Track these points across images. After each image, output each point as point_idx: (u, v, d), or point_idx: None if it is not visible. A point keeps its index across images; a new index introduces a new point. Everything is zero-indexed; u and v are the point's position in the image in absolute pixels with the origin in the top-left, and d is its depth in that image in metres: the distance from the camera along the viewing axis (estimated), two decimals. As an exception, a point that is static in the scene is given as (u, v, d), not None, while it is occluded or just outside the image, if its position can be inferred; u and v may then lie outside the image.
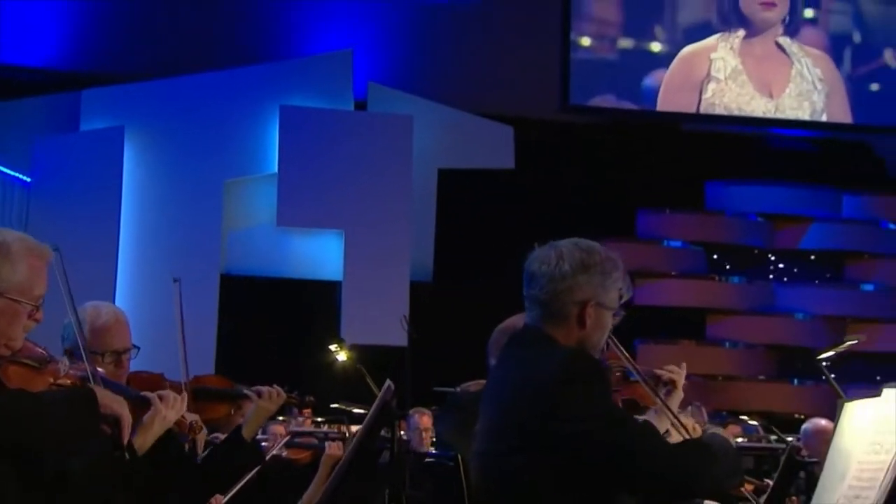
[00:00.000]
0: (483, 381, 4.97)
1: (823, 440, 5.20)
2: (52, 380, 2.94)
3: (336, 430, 9.02)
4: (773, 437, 9.00)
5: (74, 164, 10.65)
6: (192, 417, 3.50)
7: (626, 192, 12.51)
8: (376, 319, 10.67)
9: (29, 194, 10.62)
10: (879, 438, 3.19)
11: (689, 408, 9.45)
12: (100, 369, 3.24)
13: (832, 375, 5.61)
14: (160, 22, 11.85)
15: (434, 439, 7.26)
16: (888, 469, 3.10)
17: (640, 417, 3.21)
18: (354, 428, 9.71)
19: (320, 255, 11.41)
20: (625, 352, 3.22)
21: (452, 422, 4.01)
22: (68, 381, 3.02)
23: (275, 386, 4.20)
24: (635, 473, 2.75)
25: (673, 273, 12.41)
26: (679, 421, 3.24)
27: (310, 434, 7.04)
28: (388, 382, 4.28)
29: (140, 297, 10.48)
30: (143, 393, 3.27)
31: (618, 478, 2.76)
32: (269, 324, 10.96)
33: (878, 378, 11.50)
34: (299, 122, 11.17)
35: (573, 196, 12.10)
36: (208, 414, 3.95)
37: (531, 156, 11.97)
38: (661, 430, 3.17)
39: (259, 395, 4.02)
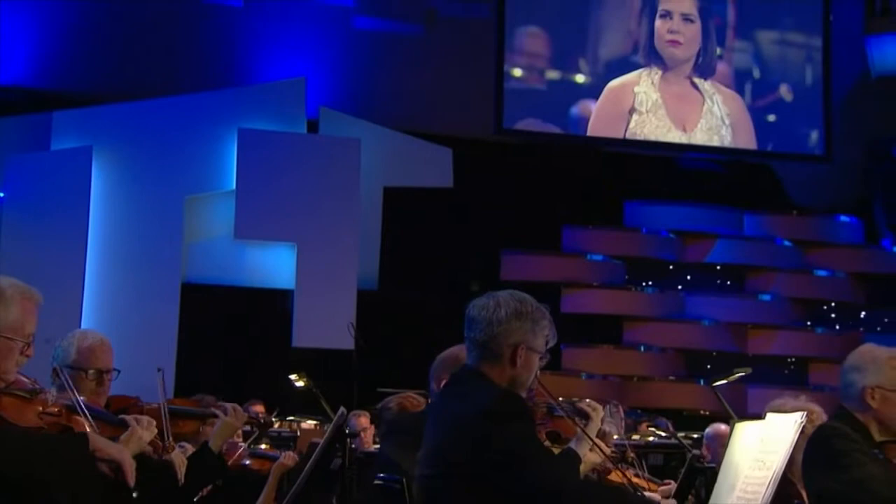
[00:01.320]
0: (408, 393, 5.14)
1: (722, 443, 5.27)
2: (41, 408, 3.00)
3: (288, 429, 9.08)
4: (681, 435, 8.78)
5: (45, 182, 10.54)
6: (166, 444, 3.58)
7: (552, 210, 12.56)
8: (325, 325, 10.69)
9: (1, 210, 10.51)
10: (762, 456, 3.40)
11: (608, 406, 9.63)
12: (82, 398, 3.27)
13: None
14: (128, 48, 11.81)
15: (375, 439, 7.13)
16: (769, 484, 3.30)
17: (565, 447, 3.41)
18: (305, 424, 9.88)
19: (274, 265, 11.33)
20: (549, 390, 3.39)
21: (395, 443, 4.02)
22: (55, 409, 3.06)
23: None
24: (552, 501, 2.87)
25: (594, 284, 12.48)
26: (597, 445, 3.46)
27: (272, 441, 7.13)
28: (341, 409, 4.39)
29: (107, 305, 10.50)
30: (121, 416, 3.35)
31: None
32: (226, 328, 10.97)
33: (774, 379, 11.99)
34: (256, 144, 11.10)
35: (505, 212, 12.18)
36: (179, 429, 4.03)
37: (468, 175, 11.98)
38: (583, 454, 3.40)
39: (225, 412, 4.13)
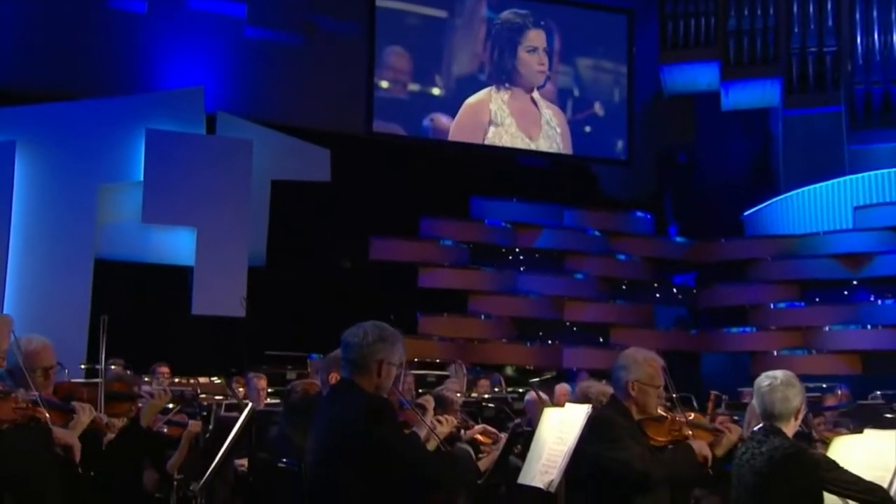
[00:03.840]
0: (307, 381, 5.20)
1: (536, 407, 5.87)
2: (14, 405, 3.39)
3: (189, 387, 9.07)
4: (510, 389, 9.31)
5: (-28, 173, 10.24)
6: (99, 416, 3.90)
7: (412, 202, 12.68)
8: (221, 297, 10.62)
9: (-68, 197, 10.14)
10: (562, 435, 3.80)
11: (453, 366, 9.71)
12: (35, 392, 3.56)
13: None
14: (44, 51, 11.55)
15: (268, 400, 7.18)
16: (564, 455, 3.72)
17: (411, 430, 3.66)
18: (203, 379, 9.93)
19: (177, 245, 11.26)
20: (399, 391, 3.68)
21: (293, 422, 4.04)
22: (24, 405, 3.44)
23: (164, 388, 4.60)
24: (416, 475, 3.14)
25: (445, 264, 12.65)
26: (434, 432, 3.76)
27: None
28: (249, 404, 4.57)
29: (28, 280, 10.39)
30: (72, 403, 3.74)
31: (405, 480, 3.10)
32: (134, 299, 10.80)
33: (584, 341, 12.76)
34: (161, 142, 10.94)
35: (373, 203, 12.27)
36: (114, 409, 4.18)
37: (343, 171, 12.00)
38: (423, 435, 3.67)
39: (151, 395, 4.37)
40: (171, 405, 7.39)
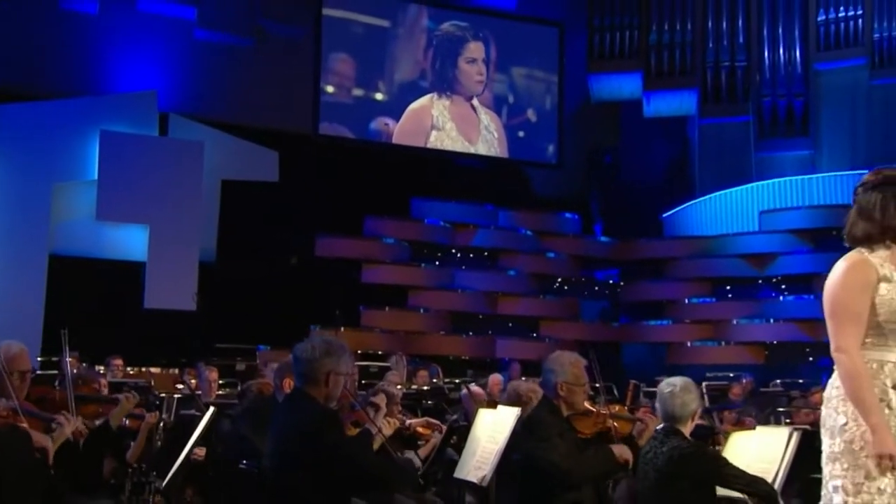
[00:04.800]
0: (261, 381, 5.35)
1: (474, 402, 5.98)
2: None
3: (142, 379, 8.82)
4: (447, 380, 9.41)
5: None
6: (79, 425, 4.03)
7: (357, 202, 12.65)
8: (172, 292, 10.76)
9: None
10: (494, 435, 3.95)
11: (394, 357, 9.67)
12: (13, 402, 3.70)
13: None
14: (4, 55, 11.32)
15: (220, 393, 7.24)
16: (496, 453, 3.85)
17: (363, 428, 3.79)
18: (154, 369, 9.54)
19: (129, 241, 11.27)
20: (350, 393, 3.86)
21: (249, 423, 4.11)
22: (5, 413, 3.59)
23: (132, 391, 4.69)
24: (362, 476, 3.29)
25: (387, 261, 12.66)
26: (381, 432, 3.91)
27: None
28: (211, 409, 4.59)
29: None
30: (54, 416, 3.85)
31: (352, 480, 3.24)
32: (88, 294, 10.69)
33: (515, 332, 12.98)
34: (115, 143, 10.97)
35: (319, 203, 12.25)
36: (83, 410, 4.33)
37: (290, 172, 12.10)
38: (374, 431, 3.83)
39: (118, 400, 4.52)
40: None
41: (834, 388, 2.68)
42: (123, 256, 11.32)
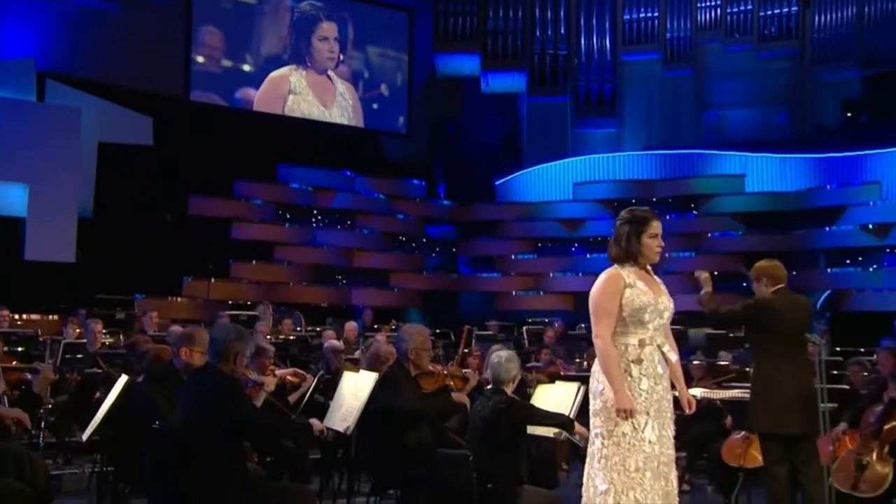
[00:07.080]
0: (158, 346, 5.37)
1: (333, 352, 6.41)
2: None
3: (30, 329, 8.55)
4: (308, 329, 9.70)
5: None
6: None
7: (227, 165, 12.64)
8: (51, 244, 10.74)
9: None
10: (357, 393, 4.34)
11: (261, 306, 9.90)
12: None
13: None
14: None
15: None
16: (358, 409, 4.25)
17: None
18: (35, 316, 9.72)
19: (10, 199, 11.09)
20: (252, 373, 4.12)
21: (154, 387, 4.06)
22: None
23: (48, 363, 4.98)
24: (262, 431, 3.60)
25: (255, 220, 12.83)
26: (264, 388, 4.21)
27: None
28: (125, 377, 4.46)
29: None
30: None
31: (254, 435, 3.53)
32: None
33: (369, 282, 13.23)
34: None
35: (192, 165, 12.12)
36: (7, 376, 4.61)
37: (164, 135, 12.03)
38: (259, 403, 4.15)
39: (39, 370, 4.92)
40: (20, 348, 7.65)
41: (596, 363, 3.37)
42: (4, 212, 11.09)
